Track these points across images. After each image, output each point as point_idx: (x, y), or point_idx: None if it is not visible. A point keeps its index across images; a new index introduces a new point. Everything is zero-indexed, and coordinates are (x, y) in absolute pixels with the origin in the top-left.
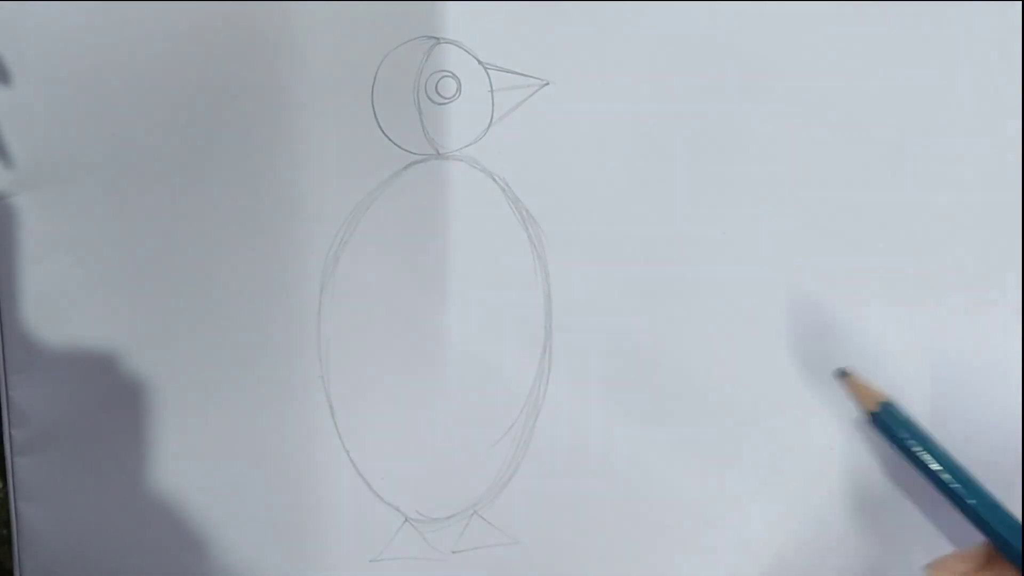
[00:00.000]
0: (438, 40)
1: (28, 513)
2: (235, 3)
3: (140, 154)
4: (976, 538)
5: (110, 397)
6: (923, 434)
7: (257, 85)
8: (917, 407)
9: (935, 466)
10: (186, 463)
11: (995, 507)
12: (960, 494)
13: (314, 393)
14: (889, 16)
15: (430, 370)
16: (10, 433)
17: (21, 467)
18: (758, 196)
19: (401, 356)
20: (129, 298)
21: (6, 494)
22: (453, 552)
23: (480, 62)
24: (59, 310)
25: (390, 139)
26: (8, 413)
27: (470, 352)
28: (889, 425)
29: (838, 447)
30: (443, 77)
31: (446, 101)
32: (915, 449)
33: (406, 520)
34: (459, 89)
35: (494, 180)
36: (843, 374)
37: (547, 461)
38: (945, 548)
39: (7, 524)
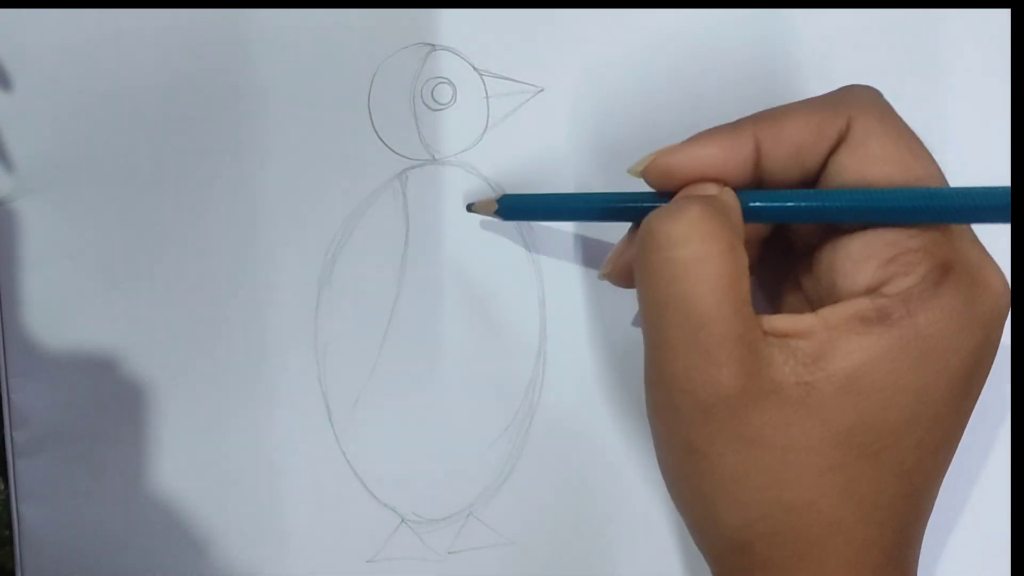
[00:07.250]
0: (434, 47)
1: (29, 514)
2: (234, 10)
3: (140, 159)
4: None
5: (110, 400)
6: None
7: (256, 91)
8: None
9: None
10: (185, 464)
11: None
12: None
13: (311, 395)
14: (879, 22)
15: (426, 373)
16: (11, 435)
17: (22, 469)
18: None
19: (397, 359)
20: (129, 302)
21: (7, 496)
22: (449, 553)
23: (475, 69)
24: (60, 314)
25: (386, 144)
26: (9, 415)
27: (466, 355)
28: (514, 210)
29: None
30: (439, 83)
31: (442, 107)
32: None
33: (402, 521)
34: (454, 95)
35: (489, 185)
36: (470, 206)
37: (542, 463)
38: None
39: (8, 525)
